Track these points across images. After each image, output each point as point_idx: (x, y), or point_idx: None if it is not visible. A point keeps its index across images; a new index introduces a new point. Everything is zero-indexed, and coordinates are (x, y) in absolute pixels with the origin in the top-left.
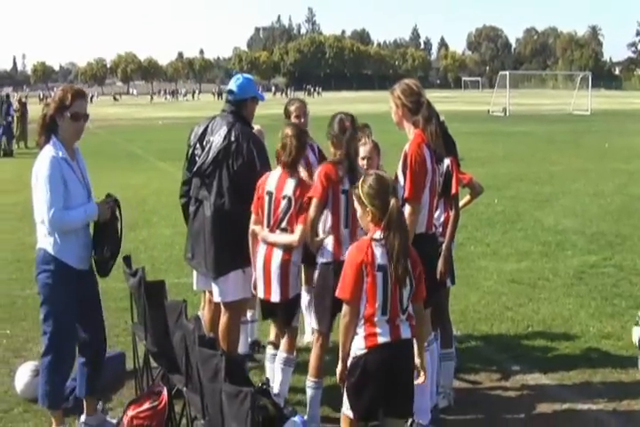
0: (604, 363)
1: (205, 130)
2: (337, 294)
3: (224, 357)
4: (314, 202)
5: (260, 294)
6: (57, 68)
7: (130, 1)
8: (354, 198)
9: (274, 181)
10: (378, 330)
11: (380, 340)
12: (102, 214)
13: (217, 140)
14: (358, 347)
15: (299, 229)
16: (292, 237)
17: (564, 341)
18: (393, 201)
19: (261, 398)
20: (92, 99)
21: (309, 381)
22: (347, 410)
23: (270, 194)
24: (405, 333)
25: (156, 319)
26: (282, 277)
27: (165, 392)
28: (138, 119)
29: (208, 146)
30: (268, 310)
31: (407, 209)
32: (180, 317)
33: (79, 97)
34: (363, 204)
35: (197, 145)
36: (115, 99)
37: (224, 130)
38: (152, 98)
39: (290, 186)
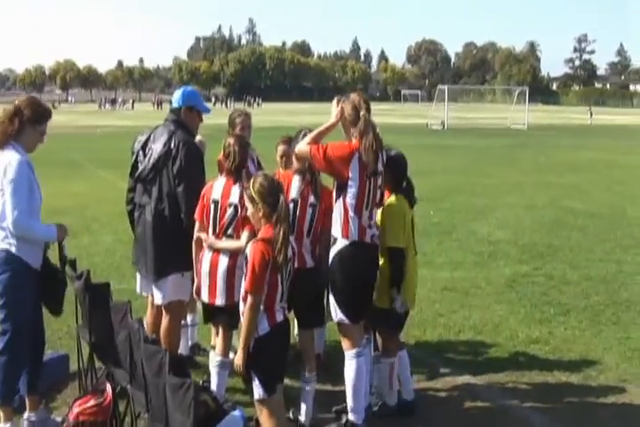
0: (531, 366)
1: (148, 138)
2: (245, 287)
3: (167, 352)
4: None
5: (205, 298)
6: None
7: (69, 8)
8: (245, 198)
9: (219, 190)
10: (277, 313)
11: (279, 319)
12: (60, 237)
13: (158, 147)
14: (262, 328)
15: (245, 235)
16: (240, 243)
17: (494, 345)
18: (282, 198)
19: (202, 394)
20: None
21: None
22: (262, 393)
23: (216, 202)
24: (286, 313)
25: (101, 320)
26: (228, 281)
27: (110, 389)
28: (77, 127)
29: (150, 153)
30: (211, 314)
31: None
32: (125, 317)
33: (50, 118)
34: (254, 201)
35: (140, 152)
36: (53, 106)
37: (165, 137)
38: (100, 106)
39: (235, 193)
